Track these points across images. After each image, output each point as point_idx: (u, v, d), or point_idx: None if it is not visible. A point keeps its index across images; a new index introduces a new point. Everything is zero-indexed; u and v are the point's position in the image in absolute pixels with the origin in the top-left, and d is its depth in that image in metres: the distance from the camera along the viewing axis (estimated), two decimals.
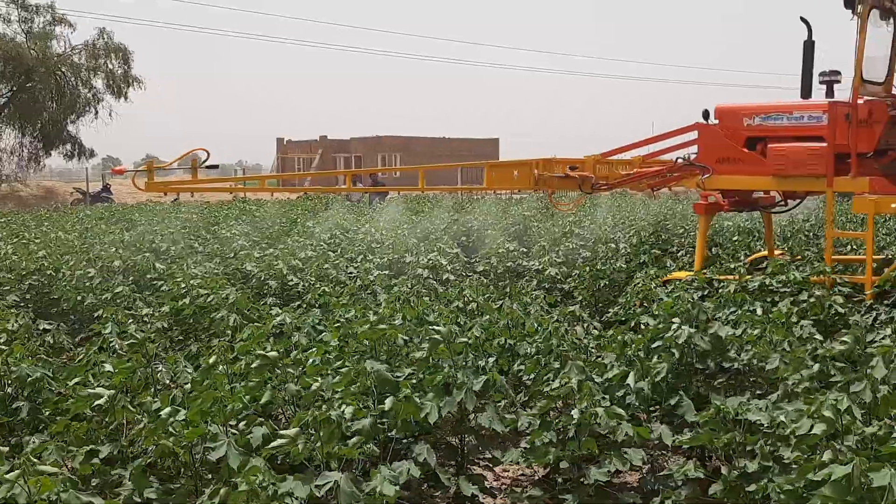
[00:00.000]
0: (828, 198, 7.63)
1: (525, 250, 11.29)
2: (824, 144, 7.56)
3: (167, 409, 3.65)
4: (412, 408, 3.92)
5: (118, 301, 8.18)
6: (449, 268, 9.86)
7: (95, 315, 7.81)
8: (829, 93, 7.92)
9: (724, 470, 3.91)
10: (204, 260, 10.80)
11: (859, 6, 7.37)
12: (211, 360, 5.03)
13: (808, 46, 7.75)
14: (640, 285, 7.95)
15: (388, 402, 3.95)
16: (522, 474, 5.44)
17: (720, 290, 6.66)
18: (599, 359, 5.07)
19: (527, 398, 5.04)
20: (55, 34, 38.27)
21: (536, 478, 4.98)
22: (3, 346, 5.14)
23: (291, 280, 9.16)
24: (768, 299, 6.53)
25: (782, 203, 8.82)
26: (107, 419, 4.03)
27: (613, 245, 11.25)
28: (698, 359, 4.85)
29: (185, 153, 8.64)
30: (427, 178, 9.72)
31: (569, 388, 4.25)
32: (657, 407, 4.70)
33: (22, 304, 8.52)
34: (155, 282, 9.43)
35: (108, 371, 4.63)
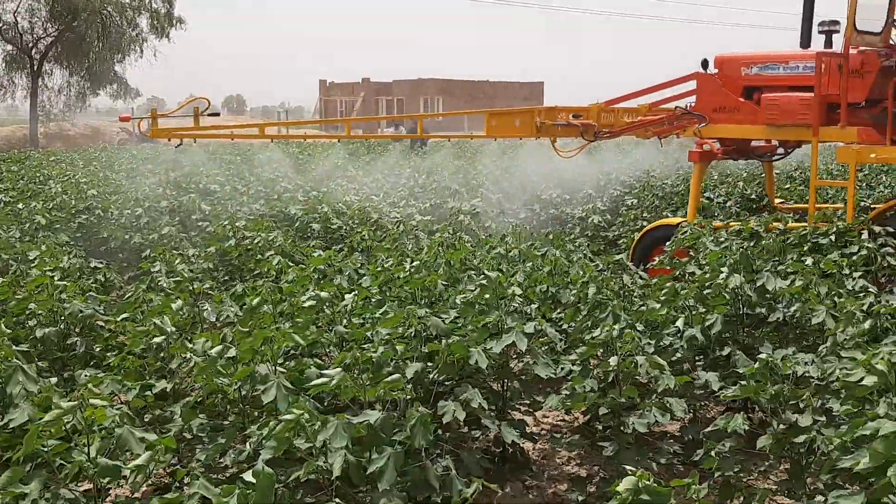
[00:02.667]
0: (813, 147, 7.72)
1: (568, 197, 11.19)
2: None
3: (218, 348, 3.72)
4: (461, 351, 3.94)
5: (165, 241, 8.30)
6: (491, 214, 9.82)
7: (143, 255, 7.96)
8: (829, 42, 7.98)
9: (773, 423, 3.84)
10: (249, 202, 10.90)
11: None
12: (255, 301, 5.11)
13: None
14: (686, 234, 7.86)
15: (436, 347, 3.97)
16: (562, 420, 5.47)
17: (764, 241, 6.59)
18: (644, 307, 5.02)
19: (567, 346, 5.03)
20: None
21: (576, 425, 4.99)
22: (57, 284, 5.27)
23: (335, 223, 9.22)
24: (806, 248, 6.50)
25: (780, 152, 8.80)
26: (161, 356, 4.12)
27: (660, 192, 11.09)
28: (746, 309, 4.80)
29: (186, 101, 9.04)
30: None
31: (609, 335, 4.23)
32: (701, 356, 4.67)
33: (72, 243, 8.69)
34: (201, 223, 9.56)
35: (158, 308, 4.71)
